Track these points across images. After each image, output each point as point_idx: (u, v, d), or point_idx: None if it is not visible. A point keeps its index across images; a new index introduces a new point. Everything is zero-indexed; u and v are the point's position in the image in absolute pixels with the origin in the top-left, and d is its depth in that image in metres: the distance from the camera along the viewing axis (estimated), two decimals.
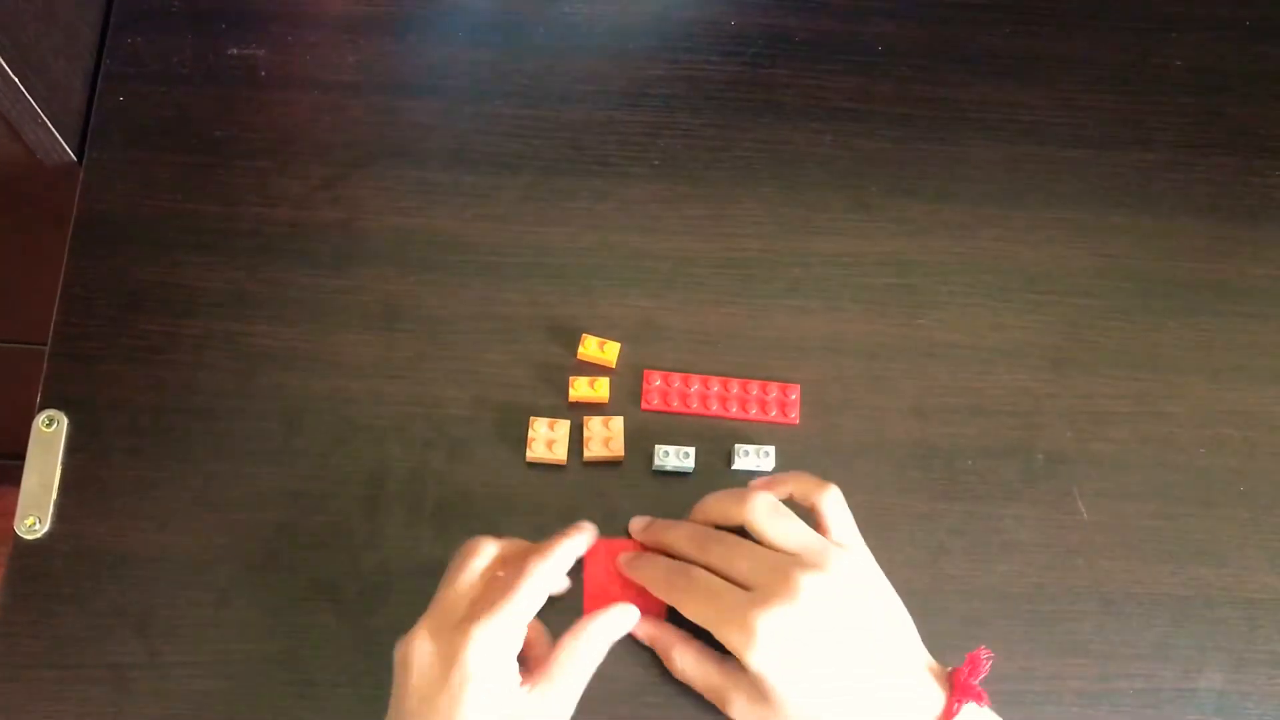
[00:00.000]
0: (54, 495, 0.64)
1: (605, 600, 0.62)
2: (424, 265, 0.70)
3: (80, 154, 0.71)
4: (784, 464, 0.67)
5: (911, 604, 0.62)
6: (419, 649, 0.55)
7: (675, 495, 0.66)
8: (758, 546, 0.59)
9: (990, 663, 0.58)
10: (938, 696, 0.57)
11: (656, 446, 0.66)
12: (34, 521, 0.63)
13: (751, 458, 0.66)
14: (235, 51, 0.74)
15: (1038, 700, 0.64)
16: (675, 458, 0.66)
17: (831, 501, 0.61)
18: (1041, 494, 0.68)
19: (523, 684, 0.56)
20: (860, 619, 0.57)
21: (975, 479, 0.68)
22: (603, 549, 0.63)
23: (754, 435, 0.67)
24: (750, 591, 0.57)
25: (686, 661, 0.60)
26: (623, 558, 0.63)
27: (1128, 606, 0.66)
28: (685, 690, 0.61)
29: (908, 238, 0.72)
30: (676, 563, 0.61)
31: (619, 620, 0.61)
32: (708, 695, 0.60)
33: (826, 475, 0.66)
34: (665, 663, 0.61)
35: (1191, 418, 0.70)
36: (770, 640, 0.55)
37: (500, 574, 0.58)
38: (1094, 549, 0.67)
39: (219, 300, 0.68)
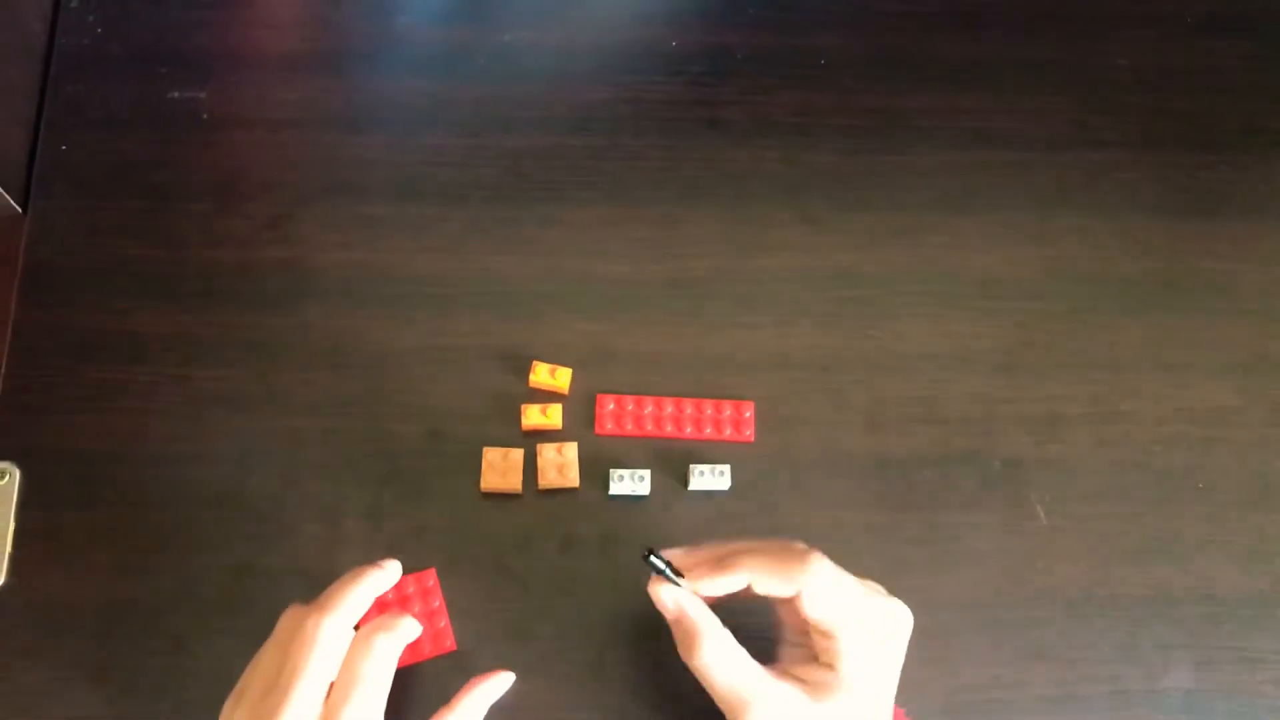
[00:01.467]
0: (8, 549, 0.64)
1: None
2: (371, 300, 0.70)
3: (24, 205, 0.71)
4: (740, 481, 0.66)
5: None
6: None
7: (632, 519, 0.66)
8: None
9: None
10: None
11: (611, 471, 0.66)
12: None
13: (707, 477, 0.66)
14: (176, 94, 0.74)
15: (1004, 708, 0.64)
16: (631, 482, 0.66)
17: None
18: (999, 500, 0.68)
19: None
20: (899, 642, 0.57)
21: (933, 488, 0.68)
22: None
23: (710, 454, 0.67)
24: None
25: (717, 651, 0.55)
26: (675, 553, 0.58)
27: (1090, 609, 0.66)
28: None
29: (856, 249, 0.72)
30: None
31: (496, 685, 0.60)
32: (727, 696, 0.55)
33: (784, 490, 0.67)
34: (684, 650, 0.56)
35: (1147, 416, 0.70)
36: (824, 568, 0.54)
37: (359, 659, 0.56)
38: (1054, 553, 0.67)
39: (167, 345, 0.68)
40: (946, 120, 0.76)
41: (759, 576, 0.55)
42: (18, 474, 0.65)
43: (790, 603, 0.55)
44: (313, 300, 0.70)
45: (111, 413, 0.67)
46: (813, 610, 0.54)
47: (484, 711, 0.59)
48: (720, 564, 0.56)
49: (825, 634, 0.55)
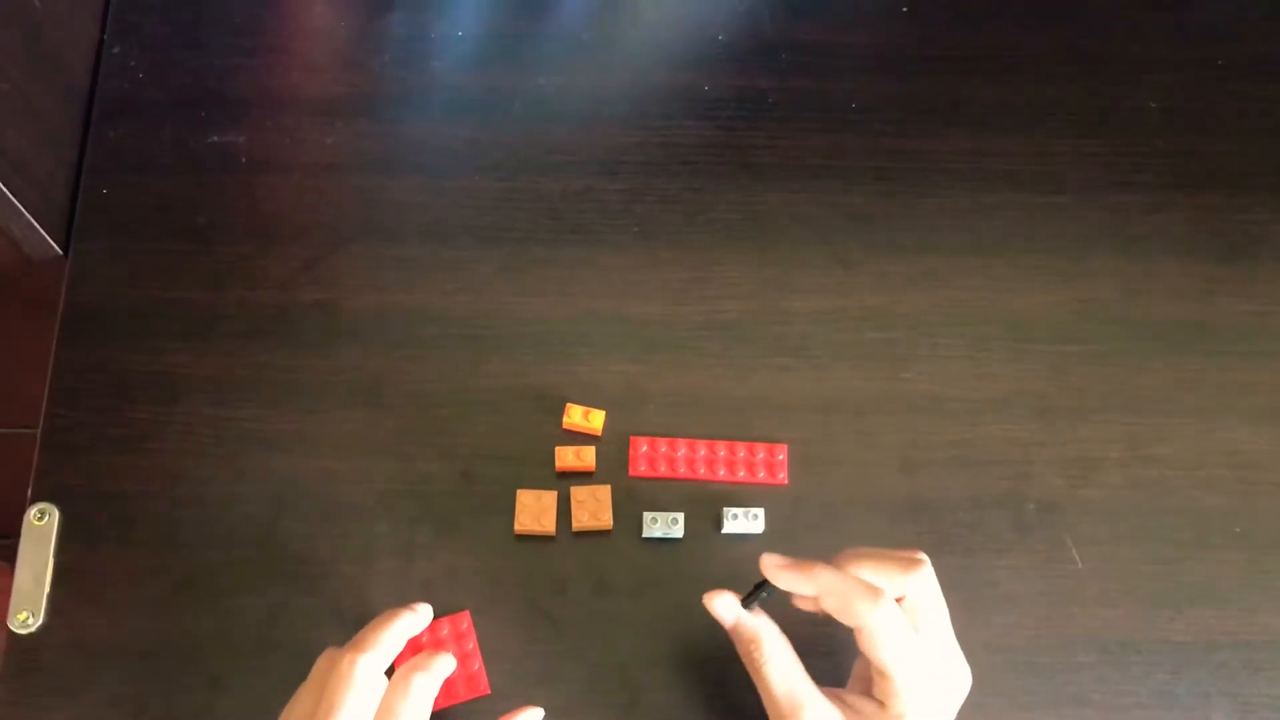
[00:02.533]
0: (46, 589, 0.64)
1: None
2: (406, 341, 0.70)
3: (66, 247, 0.72)
4: (774, 525, 0.66)
5: None
6: None
7: (665, 562, 0.66)
8: None
9: None
10: None
11: (645, 514, 0.66)
12: (26, 617, 0.63)
13: (741, 520, 0.66)
14: (215, 139, 0.75)
15: None
16: (664, 525, 0.66)
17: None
18: (1034, 544, 0.67)
19: None
20: (957, 698, 0.57)
21: (967, 531, 0.67)
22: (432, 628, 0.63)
23: (743, 497, 0.67)
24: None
25: (779, 658, 0.57)
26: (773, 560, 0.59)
27: (1127, 655, 0.65)
28: None
29: (888, 292, 0.73)
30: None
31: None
32: (779, 700, 0.56)
33: (818, 533, 0.67)
34: (743, 654, 0.58)
35: (1183, 459, 0.69)
36: (896, 625, 0.55)
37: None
38: (1090, 597, 0.66)
39: (205, 386, 0.69)
40: (978, 163, 0.76)
41: (827, 596, 0.56)
42: (57, 514, 0.66)
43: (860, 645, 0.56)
44: (348, 341, 0.70)
45: (149, 453, 0.68)
46: (868, 648, 0.55)
47: None
48: (801, 566, 0.57)
49: (881, 674, 0.55)
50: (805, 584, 0.56)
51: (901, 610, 0.55)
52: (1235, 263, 0.74)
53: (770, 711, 0.57)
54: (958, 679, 0.57)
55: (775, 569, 0.57)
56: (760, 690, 0.57)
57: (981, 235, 0.74)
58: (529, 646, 0.64)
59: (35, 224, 0.69)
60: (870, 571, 0.56)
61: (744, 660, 0.58)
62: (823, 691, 0.57)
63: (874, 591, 0.55)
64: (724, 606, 0.58)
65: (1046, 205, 0.75)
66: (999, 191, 0.76)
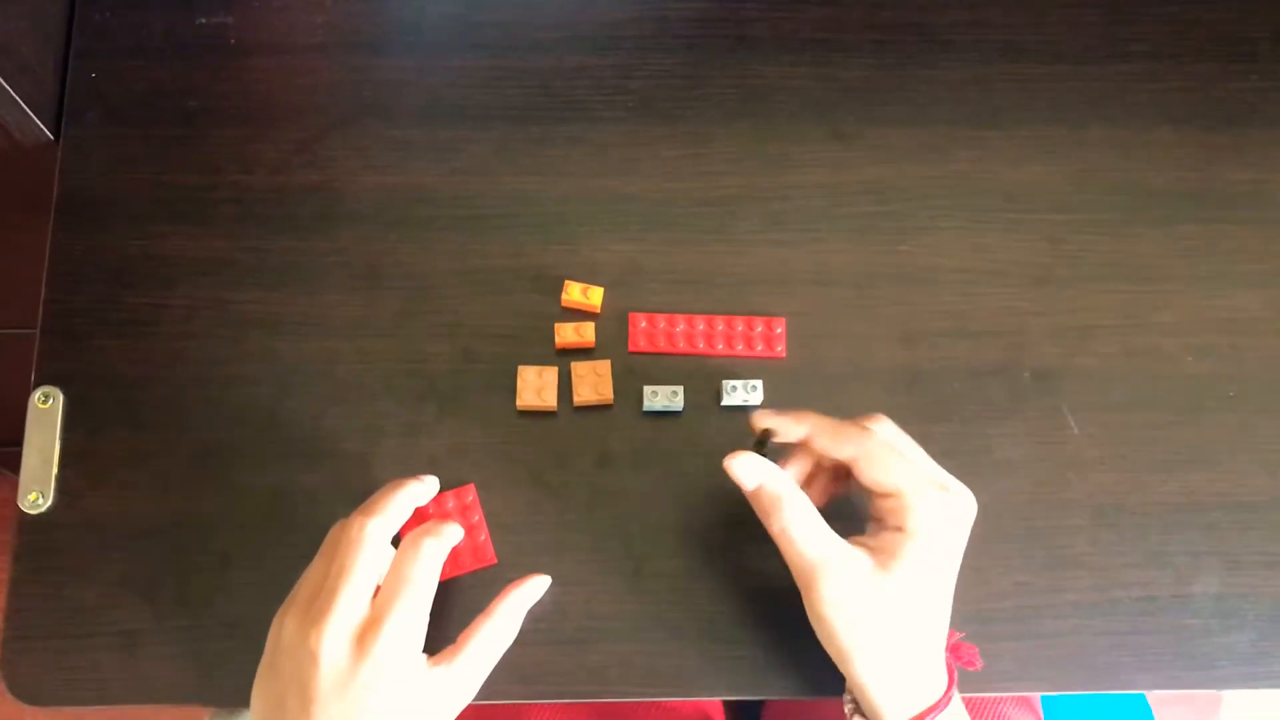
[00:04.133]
0: (54, 470, 0.65)
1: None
2: (403, 222, 0.70)
3: (57, 133, 0.71)
4: (772, 397, 0.67)
5: None
6: (328, 641, 0.54)
7: (667, 435, 0.67)
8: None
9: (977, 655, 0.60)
10: (943, 677, 0.58)
11: (645, 387, 0.67)
12: (37, 497, 0.64)
13: (740, 393, 0.67)
14: (203, 21, 0.74)
15: (1036, 614, 0.65)
16: (664, 397, 0.67)
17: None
18: (1031, 411, 0.68)
19: (431, 663, 0.57)
20: (965, 521, 0.59)
21: (964, 400, 0.68)
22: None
23: (742, 370, 0.68)
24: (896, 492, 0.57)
25: (795, 516, 0.57)
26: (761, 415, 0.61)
27: (1121, 518, 0.66)
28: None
29: (885, 165, 0.72)
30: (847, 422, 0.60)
31: (532, 590, 0.62)
32: (800, 561, 0.57)
33: (815, 404, 0.66)
34: (764, 517, 0.58)
35: (1178, 327, 0.70)
36: (958, 503, 0.57)
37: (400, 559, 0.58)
38: (1085, 463, 0.67)
39: (204, 269, 0.69)
40: (976, 34, 0.76)
41: (818, 434, 0.58)
42: (61, 397, 0.66)
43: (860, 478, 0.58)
44: (346, 223, 0.70)
45: (150, 337, 0.68)
46: (868, 474, 0.57)
47: (522, 615, 0.61)
48: (790, 412, 0.60)
49: (887, 494, 0.57)
50: (797, 426, 0.59)
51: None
52: (1232, 131, 0.74)
53: (796, 568, 0.57)
54: (961, 496, 0.58)
55: (768, 416, 0.60)
56: (784, 549, 0.57)
57: (979, 107, 0.74)
58: (534, 518, 0.65)
59: (25, 108, 0.68)
60: (824, 429, 0.59)
61: (766, 521, 0.58)
62: (850, 539, 0.58)
63: (860, 424, 0.58)
64: (746, 469, 0.58)
65: (1044, 75, 0.75)
66: (996, 63, 0.75)
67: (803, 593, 0.57)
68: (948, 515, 0.57)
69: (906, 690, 0.56)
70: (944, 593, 0.58)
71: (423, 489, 0.61)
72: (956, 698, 0.58)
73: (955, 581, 0.58)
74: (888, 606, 0.56)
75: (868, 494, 0.58)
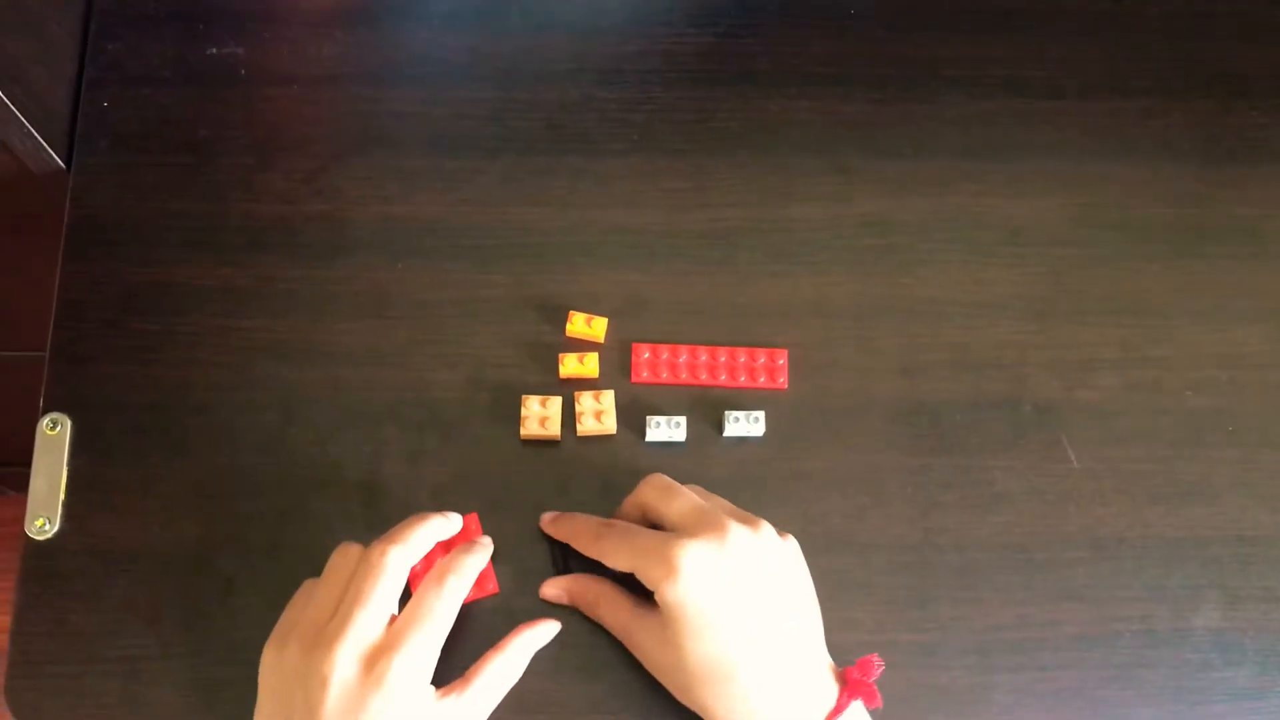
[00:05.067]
0: (61, 496, 0.65)
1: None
2: (409, 252, 0.71)
3: (68, 161, 0.72)
4: (774, 428, 0.68)
5: (905, 558, 0.64)
6: (340, 665, 0.54)
7: (670, 465, 0.67)
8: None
9: (881, 669, 0.58)
10: (832, 692, 0.57)
11: (648, 418, 0.67)
12: (43, 522, 0.65)
13: (742, 423, 0.67)
14: (214, 51, 0.75)
15: (1035, 647, 0.65)
16: (667, 428, 0.67)
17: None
18: (1031, 444, 0.68)
19: (440, 694, 0.57)
20: (782, 588, 0.58)
21: (964, 433, 0.68)
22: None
23: (744, 402, 0.68)
24: (675, 531, 0.58)
25: (603, 602, 0.62)
26: (546, 517, 0.65)
27: (1121, 550, 0.67)
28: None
29: (887, 198, 0.73)
30: (600, 518, 0.63)
31: (543, 632, 0.62)
32: (619, 636, 0.62)
33: (817, 436, 0.68)
34: (590, 613, 0.63)
35: (1178, 361, 0.70)
36: (689, 572, 0.56)
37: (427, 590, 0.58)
38: (1085, 496, 0.68)
39: (211, 297, 0.70)
40: (977, 69, 0.76)
41: (580, 545, 0.62)
42: (69, 424, 0.67)
43: None
44: (352, 253, 0.71)
45: (157, 364, 0.68)
46: (613, 566, 0.60)
47: (530, 654, 0.61)
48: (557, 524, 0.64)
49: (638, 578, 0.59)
50: (589, 547, 0.62)
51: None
52: (1232, 167, 0.75)
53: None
54: (694, 554, 0.56)
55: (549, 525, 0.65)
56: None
57: (980, 141, 0.75)
58: (536, 548, 0.65)
59: (37, 136, 0.69)
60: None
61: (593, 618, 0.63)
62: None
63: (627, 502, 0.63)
64: (552, 591, 0.64)
65: (1046, 111, 0.75)
66: (998, 97, 0.76)
67: None
68: (688, 583, 0.56)
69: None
70: (797, 604, 0.58)
71: (447, 525, 0.62)
72: (855, 707, 0.57)
73: (768, 618, 0.57)
74: (693, 674, 0.57)
75: None
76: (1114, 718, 0.64)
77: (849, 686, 0.57)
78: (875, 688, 0.57)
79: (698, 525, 0.58)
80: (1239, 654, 0.65)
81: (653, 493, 0.61)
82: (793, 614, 0.58)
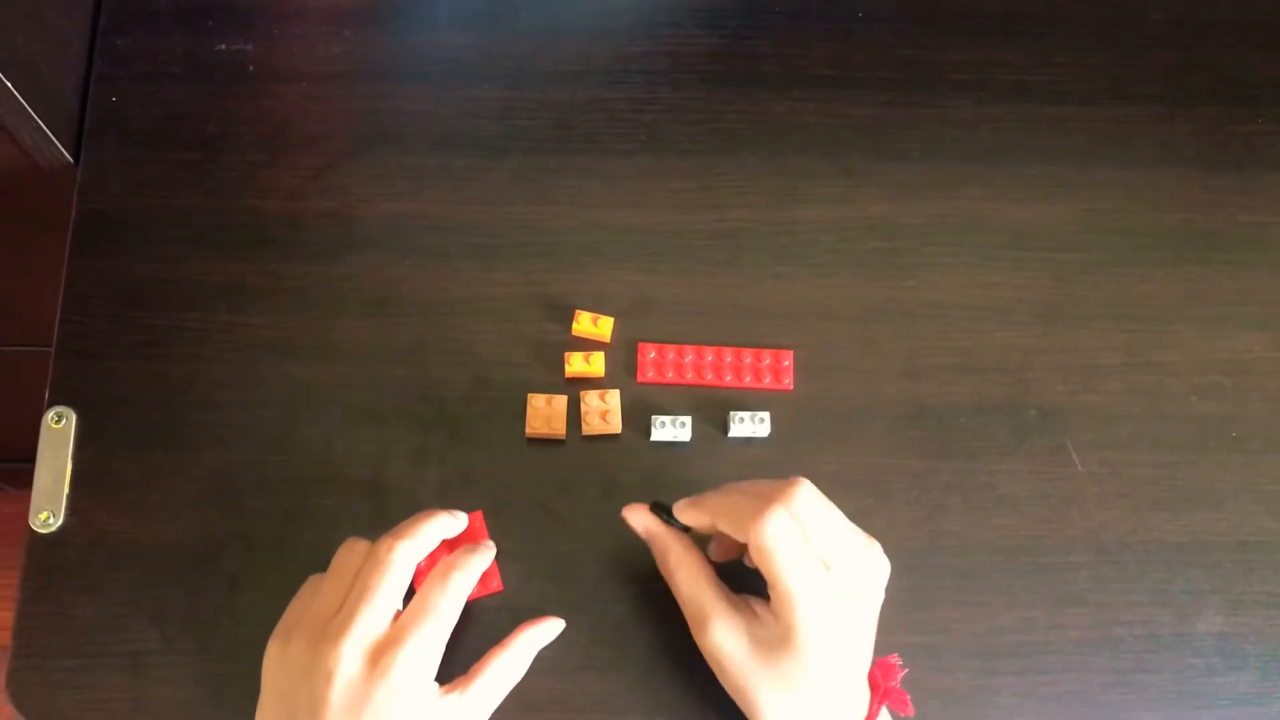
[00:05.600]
0: (66, 489, 0.65)
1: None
2: (417, 249, 0.71)
3: (76, 155, 0.72)
4: (779, 429, 0.68)
5: (909, 561, 0.64)
6: (345, 657, 0.54)
7: (673, 465, 0.67)
8: None
9: (904, 671, 0.58)
10: (865, 698, 0.57)
11: (653, 418, 0.67)
12: (48, 516, 0.65)
13: (747, 424, 0.67)
14: (223, 47, 0.75)
15: (1038, 650, 0.65)
16: (672, 428, 0.67)
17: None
18: (1035, 448, 0.69)
19: (443, 691, 0.57)
20: (868, 592, 0.58)
21: (969, 436, 0.69)
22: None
23: (749, 403, 0.68)
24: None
25: (682, 566, 0.59)
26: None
27: (1124, 555, 0.67)
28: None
29: (893, 201, 0.73)
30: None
31: (547, 630, 0.62)
32: (688, 608, 0.59)
33: (822, 437, 0.68)
34: (659, 562, 0.61)
35: (1182, 366, 0.71)
36: (780, 538, 0.54)
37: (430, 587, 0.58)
38: (1089, 500, 0.68)
39: (218, 293, 0.70)
40: (983, 74, 0.77)
41: (719, 520, 0.58)
42: (74, 417, 0.67)
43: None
44: (359, 250, 0.71)
45: (163, 360, 0.68)
46: (759, 562, 0.56)
47: (534, 653, 0.61)
48: (695, 502, 0.60)
49: (772, 584, 0.56)
50: (699, 515, 0.59)
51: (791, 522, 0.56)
52: (1238, 174, 0.75)
53: (687, 619, 0.59)
54: (859, 584, 0.57)
55: (682, 509, 0.60)
56: (672, 590, 0.60)
57: (986, 145, 0.75)
58: (540, 546, 0.65)
59: (46, 130, 0.69)
60: (747, 497, 0.57)
61: (658, 564, 0.61)
62: (736, 599, 0.58)
63: (761, 503, 0.56)
64: (635, 518, 0.61)
65: (1051, 116, 0.76)
66: (1004, 102, 0.76)
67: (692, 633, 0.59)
68: (830, 606, 0.55)
69: None
70: (840, 664, 0.57)
71: (454, 523, 0.61)
72: (884, 714, 0.57)
73: (864, 639, 0.58)
74: (769, 682, 0.56)
75: None
76: None
77: (880, 692, 0.57)
78: (906, 694, 0.58)
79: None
80: (1241, 659, 0.65)
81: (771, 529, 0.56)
82: (869, 623, 0.58)
